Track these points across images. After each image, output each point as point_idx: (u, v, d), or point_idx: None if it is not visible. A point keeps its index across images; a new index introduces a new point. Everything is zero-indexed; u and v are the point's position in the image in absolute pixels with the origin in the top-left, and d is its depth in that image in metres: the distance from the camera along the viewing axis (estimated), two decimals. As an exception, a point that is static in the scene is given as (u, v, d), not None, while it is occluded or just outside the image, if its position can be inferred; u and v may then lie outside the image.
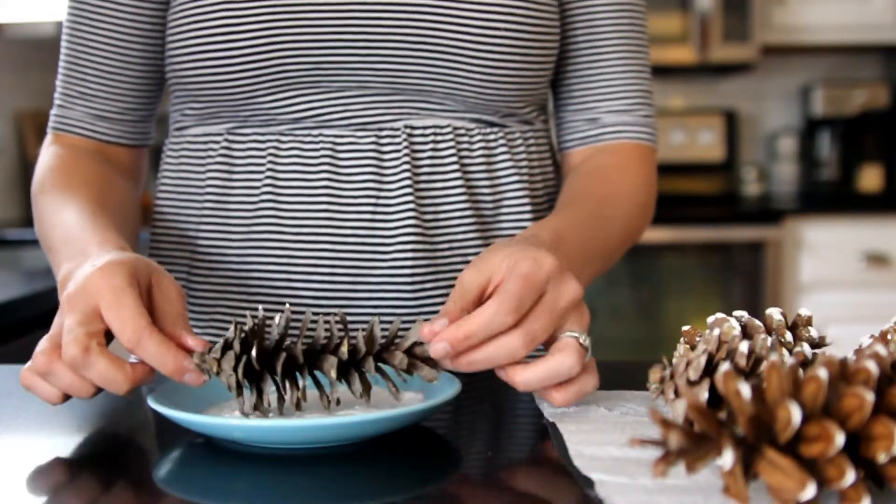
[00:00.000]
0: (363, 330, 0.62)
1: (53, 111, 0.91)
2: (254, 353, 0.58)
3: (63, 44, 0.89)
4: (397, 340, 0.62)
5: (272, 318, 0.61)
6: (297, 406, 0.60)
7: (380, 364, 0.61)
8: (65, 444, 0.61)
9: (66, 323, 0.61)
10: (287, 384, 0.60)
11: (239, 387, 0.59)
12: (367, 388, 0.61)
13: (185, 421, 0.57)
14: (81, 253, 0.70)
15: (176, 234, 0.90)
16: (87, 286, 0.62)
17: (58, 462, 0.57)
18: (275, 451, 0.57)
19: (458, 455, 0.59)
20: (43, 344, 0.62)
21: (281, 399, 0.60)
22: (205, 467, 0.56)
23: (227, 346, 0.59)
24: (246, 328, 0.60)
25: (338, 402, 0.60)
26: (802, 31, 3.01)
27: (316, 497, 0.51)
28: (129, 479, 0.55)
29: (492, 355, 0.60)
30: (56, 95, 0.91)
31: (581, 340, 0.62)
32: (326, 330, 0.64)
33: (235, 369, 0.58)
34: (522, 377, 0.61)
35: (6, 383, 0.76)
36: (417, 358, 0.61)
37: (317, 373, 0.62)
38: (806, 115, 3.28)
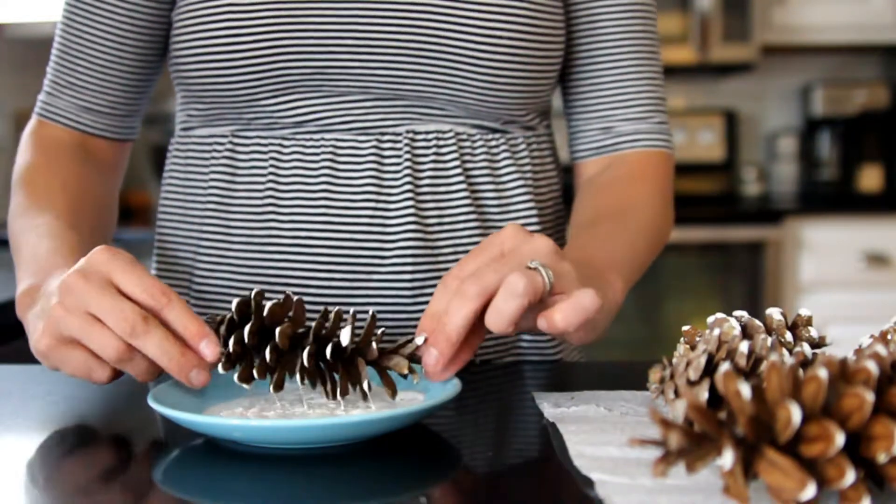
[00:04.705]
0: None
1: (41, 96, 0.91)
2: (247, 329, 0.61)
3: (57, 32, 0.89)
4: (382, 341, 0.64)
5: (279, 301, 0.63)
6: (279, 385, 0.61)
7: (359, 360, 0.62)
8: (64, 444, 0.61)
9: (93, 298, 0.60)
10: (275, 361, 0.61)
11: (237, 357, 0.61)
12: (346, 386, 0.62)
13: (184, 421, 0.57)
14: (56, 267, 0.70)
15: (180, 234, 0.90)
16: (90, 264, 0.62)
17: (57, 462, 0.57)
18: (275, 451, 0.57)
19: (458, 455, 0.59)
20: (47, 339, 0.63)
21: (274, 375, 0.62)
22: (205, 467, 0.56)
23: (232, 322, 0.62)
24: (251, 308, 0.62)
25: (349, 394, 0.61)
26: (802, 31, 3.02)
27: (316, 497, 0.51)
28: (129, 479, 0.55)
29: (452, 308, 0.61)
30: (45, 81, 0.91)
31: (528, 265, 0.62)
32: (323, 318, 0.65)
33: (231, 337, 0.61)
34: (487, 314, 0.61)
35: (6, 383, 0.76)
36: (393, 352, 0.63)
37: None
38: (806, 115, 3.28)
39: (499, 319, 0.60)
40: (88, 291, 0.61)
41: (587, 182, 0.93)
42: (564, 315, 0.61)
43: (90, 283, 0.61)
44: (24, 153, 0.89)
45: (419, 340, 0.62)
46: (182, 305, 0.62)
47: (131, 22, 0.87)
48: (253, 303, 0.62)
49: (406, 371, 0.62)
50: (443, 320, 0.61)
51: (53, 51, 0.90)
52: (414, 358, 0.63)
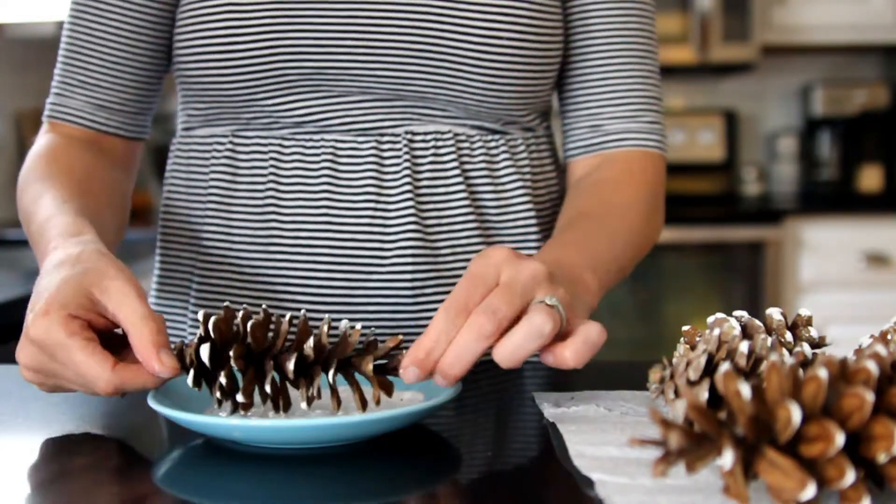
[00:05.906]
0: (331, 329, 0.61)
1: (50, 99, 0.90)
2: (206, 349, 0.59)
3: (65, 32, 0.88)
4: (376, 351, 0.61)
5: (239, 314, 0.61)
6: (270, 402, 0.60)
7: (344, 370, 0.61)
8: (64, 444, 0.61)
9: (57, 375, 0.61)
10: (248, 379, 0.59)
11: (200, 378, 0.59)
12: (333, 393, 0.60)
13: (185, 421, 0.57)
14: (44, 255, 0.69)
15: (182, 233, 0.90)
16: (30, 340, 0.61)
17: (57, 462, 0.57)
18: (275, 451, 0.57)
19: (458, 455, 0.59)
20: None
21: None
22: (205, 467, 0.56)
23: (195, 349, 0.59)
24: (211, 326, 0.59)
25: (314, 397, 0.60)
26: (802, 31, 3.01)
27: (316, 497, 0.51)
28: (129, 478, 0.55)
29: (462, 347, 0.57)
30: (54, 84, 0.90)
31: (547, 301, 0.59)
32: (293, 326, 0.63)
33: (194, 365, 0.59)
34: (503, 349, 0.57)
35: (6, 383, 0.76)
36: (381, 372, 0.61)
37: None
38: (806, 115, 3.28)
39: (514, 356, 0.57)
40: (47, 372, 0.61)
41: (576, 183, 0.92)
42: (575, 351, 0.59)
43: (44, 367, 0.61)
44: (31, 153, 0.87)
45: (409, 377, 0.58)
46: (105, 383, 0.59)
47: (144, 17, 0.86)
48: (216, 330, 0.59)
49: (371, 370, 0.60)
50: (450, 353, 0.57)
51: (61, 52, 0.89)
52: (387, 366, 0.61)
